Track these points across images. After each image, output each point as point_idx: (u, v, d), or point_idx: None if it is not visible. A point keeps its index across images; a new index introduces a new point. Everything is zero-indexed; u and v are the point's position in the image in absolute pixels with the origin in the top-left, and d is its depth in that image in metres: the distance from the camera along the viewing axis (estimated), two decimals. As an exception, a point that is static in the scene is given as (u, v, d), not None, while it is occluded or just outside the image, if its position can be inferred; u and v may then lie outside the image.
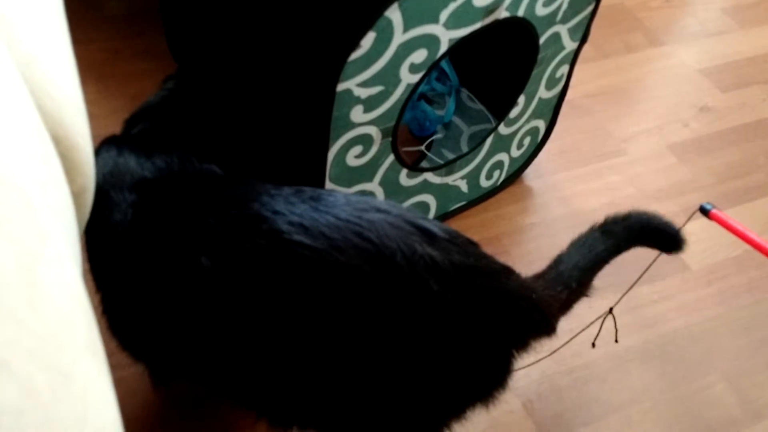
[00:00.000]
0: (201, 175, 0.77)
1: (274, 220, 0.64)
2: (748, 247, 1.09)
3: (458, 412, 0.72)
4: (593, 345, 0.99)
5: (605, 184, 1.28)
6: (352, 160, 0.94)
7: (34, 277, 0.30)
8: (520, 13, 0.93)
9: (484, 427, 0.94)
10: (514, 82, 1.08)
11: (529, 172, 1.26)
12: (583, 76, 1.44)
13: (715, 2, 1.71)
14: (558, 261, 0.79)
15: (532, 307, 0.69)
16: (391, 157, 0.97)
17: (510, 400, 0.97)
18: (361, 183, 0.98)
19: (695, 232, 1.20)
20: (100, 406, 0.32)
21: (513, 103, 1.09)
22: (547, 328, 0.73)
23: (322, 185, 0.94)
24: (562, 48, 1.07)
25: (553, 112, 1.19)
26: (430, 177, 1.07)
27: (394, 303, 0.63)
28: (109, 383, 0.35)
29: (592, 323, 0.92)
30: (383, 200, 0.70)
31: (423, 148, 1.19)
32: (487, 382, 0.71)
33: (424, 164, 1.17)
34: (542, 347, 0.82)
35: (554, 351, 0.93)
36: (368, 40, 0.79)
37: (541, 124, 1.20)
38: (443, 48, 0.88)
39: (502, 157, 1.17)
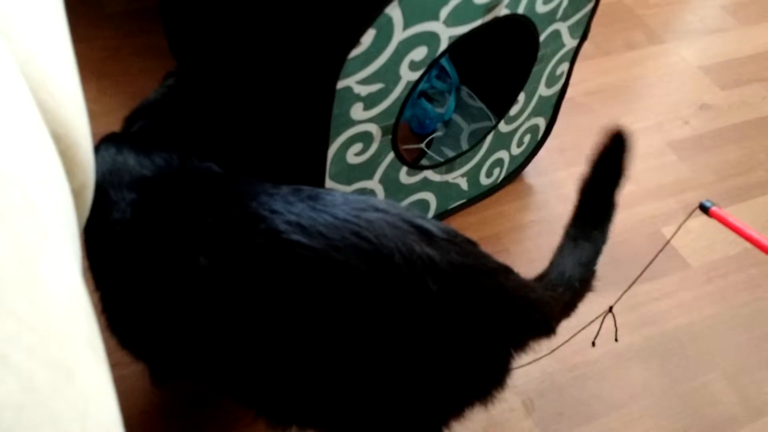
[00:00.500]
0: (200, 174, 0.77)
1: (272, 220, 0.64)
2: (747, 244, 1.09)
3: (457, 410, 0.72)
4: (593, 344, 1.00)
5: (605, 182, 1.27)
6: (352, 157, 0.94)
7: (35, 273, 0.30)
8: (521, 10, 0.93)
9: (485, 425, 0.94)
10: (514, 79, 1.08)
11: (530, 170, 1.26)
12: (584, 73, 1.44)
13: (715, 0, 1.71)
14: (559, 259, 0.79)
15: (531, 307, 0.69)
16: (391, 155, 0.97)
17: (510, 399, 0.97)
18: (361, 181, 0.98)
19: (695, 229, 1.20)
20: (101, 402, 0.32)
21: (513, 100, 1.09)
22: (546, 328, 0.73)
23: (322, 183, 0.94)
24: (562, 45, 1.07)
25: (553, 109, 1.19)
26: (430, 175, 1.07)
27: (392, 303, 0.63)
28: (109, 379, 0.35)
29: (592, 322, 0.92)
30: (382, 199, 0.70)
31: (423, 145, 1.19)
32: (486, 380, 0.71)
33: (424, 162, 1.17)
34: (542, 346, 0.82)
35: (554, 349, 0.93)
36: (368, 38, 0.79)
37: (542, 122, 1.20)
38: (443, 45, 0.87)
39: (503, 154, 1.17)
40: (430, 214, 1.14)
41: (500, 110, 1.11)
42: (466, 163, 1.11)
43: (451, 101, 1.23)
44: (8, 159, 0.33)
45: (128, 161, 0.75)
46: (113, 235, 0.69)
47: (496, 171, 1.19)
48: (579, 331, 0.93)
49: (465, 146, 1.16)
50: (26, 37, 0.46)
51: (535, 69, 1.06)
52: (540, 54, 1.04)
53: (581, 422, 0.96)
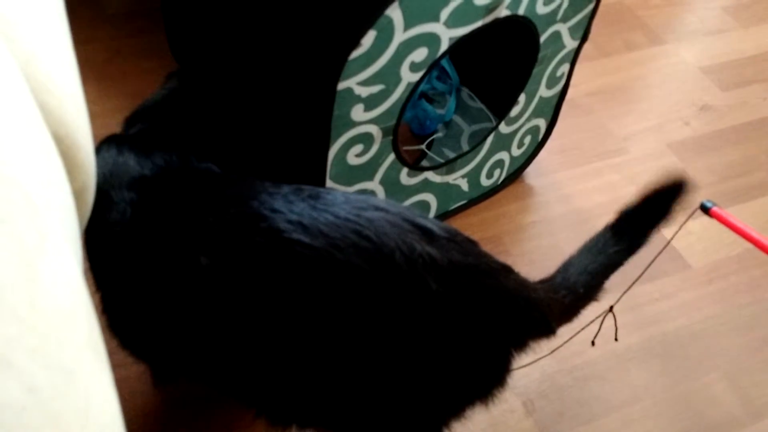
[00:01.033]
0: (200, 174, 0.77)
1: (273, 219, 0.64)
2: (748, 245, 1.08)
3: (457, 410, 0.72)
4: (593, 343, 1.00)
5: (606, 183, 1.28)
6: (353, 158, 0.94)
7: (36, 274, 0.30)
8: (521, 11, 0.93)
9: (484, 426, 0.94)
10: (514, 80, 1.08)
11: (530, 171, 1.26)
12: (584, 74, 1.44)
13: (715, 0, 1.71)
14: (567, 265, 0.79)
15: (531, 307, 0.69)
16: (392, 156, 0.97)
17: (510, 399, 0.97)
18: (362, 182, 0.98)
19: (696, 230, 1.20)
20: (102, 403, 0.32)
21: (513, 101, 1.09)
22: (545, 328, 0.73)
23: (322, 184, 0.94)
24: (563, 47, 1.07)
25: (553, 110, 1.19)
26: (431, 176, 1.07)
27: (393, 302, 0.63)
28: (110, 380, 0.35)
29: (592, 322, 0.92)
30: (382, 199, 0.70)
31: (424, 146, 1.19)
32: (486, 380, 0.71)
33: (425, 163, 1.17)
34: (542, 346, 0.82)
35: (554, 350, 0.93)
36: (369, 39, 0.79)
37: (542, 123, 1.20)
38: (444, 46, 0.88)
39: (503, 155, 1.17)
40: (431, 215, 1.14)
41: (501, 111, 1.11)
42: (467, 164, 1.11)
43: (451, 102, 1.23)
44: (10, 160, 0.33)
45: (129, 162, 0.75)
46: (113, 235, 0.69)
47: (497, 172, 1.19)
48: (579, 332, 0.93)
49: (465, 147, 1.16)
50: (27, 38, 0.46)
51: (535, 70, 1.06)
52: (540, 55, 1.04)
53: (582, 423, 0.96)
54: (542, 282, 0.76)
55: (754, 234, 0.81)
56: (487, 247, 0.89)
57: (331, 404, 0.69)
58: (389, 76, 0.85)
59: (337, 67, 0.81)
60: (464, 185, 1.15)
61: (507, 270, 0.70)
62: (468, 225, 1.18)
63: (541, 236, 1.18)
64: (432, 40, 0.85)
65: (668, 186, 0.80)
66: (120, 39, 1.38)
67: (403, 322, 0.63)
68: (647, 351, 1.05)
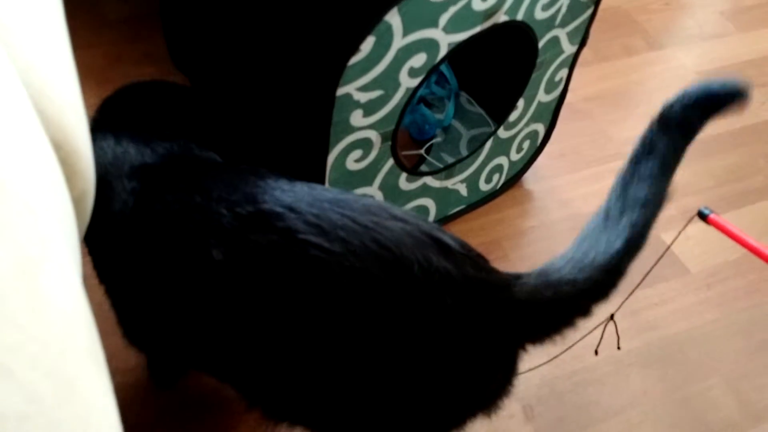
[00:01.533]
0: (206, 163, 0.76)
1: (291, 219, 0.63)
2: (747, 250, 1.09)
3: (462, 421, 0.72)
4: (596, 352, 0.99)
5: (605, 187, 1.26)
6: (352, 164, 0.94)
7: (36, 283, 0.30)
8: (519, 17, 0.94)
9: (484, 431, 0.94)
10: (513, 85, 1.08)
11: (529, 176, 1.26)
12: (583, 79, 1.44)
13: (713, 5, 1.71)
14: (579, 245, 0.70)
15: (545, 309, 0.67)
16: (391, 161, 0.98)
17: (510, 405, 0.97)
18: (361, 187, 0.98)
19: (694, 235, 1.20)
20: (102, 412, 0.32)
21: (512, 106, 1.09)
22: (575, 313, 0.69)
23: (321, 189, 0.94)
24: (561, 51, 1.07)
25: (552, 115, 1.19)
26: (430, 181, 1.07)
27: (407, 314, 0.62)
28: (109, 388, 0.35)
29: (593, 330, 0.92)
30: (397, 207, 0.69)
31: (422, 151, 1.19)
32: (494, 392, 0.71)
33: (424, 168, 1.17)
34: (542, 352, 0.81)
35: (555, 357, 0.93)
36: (368, 45, 0.79)
37: (541, 128, 1.20)
38: (443, 52, 0.88)
39: (502, 160, 1.17)
40: (430, 220, 1.14)
41: (499, 116, 1.11)
42: (466, 169, 1.11)
43: (450, 107, 1.24)
44: (9, 169, 0.33)
45: (129, 150, 0.74)
46: (115, 225, 0.68)
47: (496, 177, 1.19)
48: (580, 339, 0.93)
49: (464, 152, 1.17)
50: (27, 45, 0.46)
51: (534, 75, 1.06)
52: (539, 60, 1.04)
53: (581, 428, 0.96)
54: (543, 274, 0.70)
55: (752, 241, 0.81)
56: (485, 252, 0.89)
57: (333, 409, 0.68)
58: (388, 81, 0.85)
59: (336, 73, 0.81)
60: (463, 190, 1.15)
61: (517, 279, 0.68)
62: (467, 230, 1.18)
63: (540, 241, 1.18)
64: (431, 45, 0.86)
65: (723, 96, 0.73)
66: (120, 44, 1.38)
67: (416, 335, 0.63)
68: (646, 356, 1.05)
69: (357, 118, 0.87)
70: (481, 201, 1.20)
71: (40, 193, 0.37)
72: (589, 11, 1.04)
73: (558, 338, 0.70)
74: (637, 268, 0.89)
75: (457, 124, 1.23)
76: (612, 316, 0.91)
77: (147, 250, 0.67)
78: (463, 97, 1.27)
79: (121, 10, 1.45)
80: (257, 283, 0.63)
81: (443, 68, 1.26)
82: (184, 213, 0.66)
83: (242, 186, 0.68)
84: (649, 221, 0.71)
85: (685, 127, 0.74)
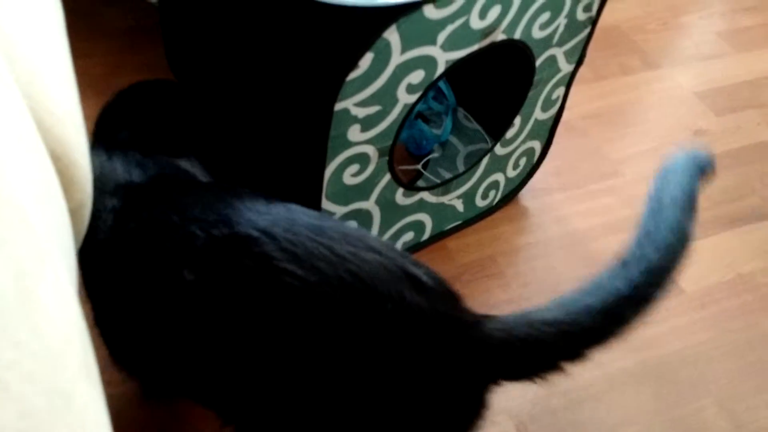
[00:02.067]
0: (188, 182, 0.76)
1: (265, 243, 0.63)
2: (741, 270, 1.09)
3: None
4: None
5: (601, 205, 1.28)
6: (349, 178, 0.94)
7: (34, 298, 0.30)
8: (517, 35, 0.94)
9: (477, 447, 0.94)
10: (510, 103, 1.09)
11: (525, 193, 1.27)
12: (579, 97, 1.45)
13: (710, 26, 1.73)
14: (561, 301, 0.66)
15: (520, 348, 0.65)
16: (388, 176, 0.98)
17: (503, 422, 0.97)
18: (357, 201, 0.98)
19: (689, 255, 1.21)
20: (96, 424, 0.32)
21: (509, 124, 1.10)
22: (543, 367, 0.67)
23: (318, 203, 0.94)
24: (558, 70, 1.08)
25: (548, 133, 1.20)
26: (426, 196, 1.08)
27: (377, 348, 0.62)
28: (103, 401, 0.35)
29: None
30: (376, 238, 0.69)
31: (419, 167, 1.19)
32: (463, 426, 0.70)
33: (421, 183, 1.17)
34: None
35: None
36: (366, 61, 0.80)
37: (537, 145, 1.20)
38: (440, 69, 0.88)
39: (498, 177, 1.18)
40: (426, 235, 1.15)
41: (496, 133, 1.12)
42: (462, 184, 1.12)
43: (447, 123, 1.24)
44: (8, 181, 0.33)
45: (116, 167, 0.74)
46: (95, 243, 0.68)
47: (492, 193, 1.20)
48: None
49: (461, 168, 1.17)
50: (29, 57, 0.47)
51: (531, 93, 1.07)
52: (536, 78, 1.05)
53: (574, 446, 0.96)
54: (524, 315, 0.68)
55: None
56: (481, 269, 0.89)
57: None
58: (386, 97, 0.86)
59: (334, 88, 0.81)
60: (459, 206, 1.15)
61: (489, 318, 0.67)
62: (463, 246, 1.18)
63: (536, 258, 1.18)
64: (429, 62, 0.86)
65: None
66: (119, 54, 1.39)
67: (384, 368, 0.62)
68: (640, 375, 1.05)
69: (355, 133, 0.88)
70: (477, 217, 1.21)
71: (38, 205, 0.37)
72: (587, 30, 1.05)
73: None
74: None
75: (454, 139, 1.24)
76: None
77: (123, 268, 0.67)
78: (461, 113, 1.27)
79: (121, 20, 1.46)
80: (229, 307, 0.63)
81: (441, 84, 1.27)
82: (158, 232, 0.66)
83: (219, 206, 0.67)
84: (666, 266, 0.66)
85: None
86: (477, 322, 0.66)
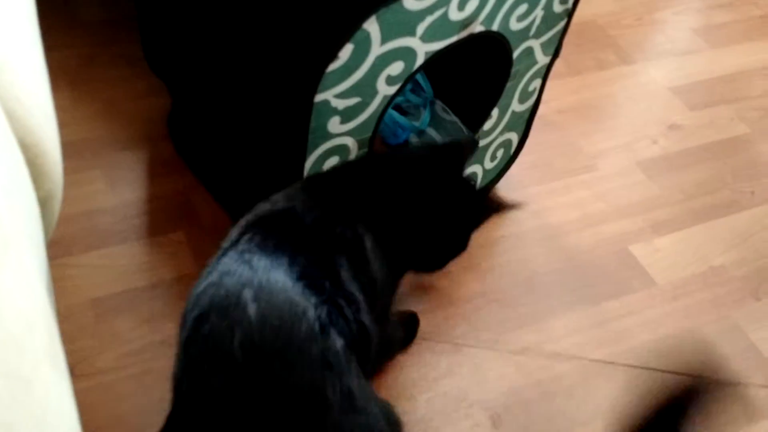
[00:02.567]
0: None
1: None
2: (714, 263, 1.10)
3: None
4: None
5: (576, 199, 1.29)
6: (326, 170, 0.94)
7: (-4, 284, 0.30)
8: (495, 27, 0.95)
9: (452, 439, 0.95)
10: (488, 95, 1.09)
11: (501, 186, 1.27)
12: (555, 92, 1.46)
13: (685, 22, 1.74)
14: None
15: None
16: (365, 168, 0.98)
17: (477, 414, 0.97)
18: (334, 193, 0.98)
19: (662, 247, 1.22)
20: (59, 413, 0.32)
21: (487, 115, 1.10)
22: None
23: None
24: (535, 62, 1.08)
25: (525, 125, 1.21)
26: (404, 188, 1.08)
27: None
28: (69, 391, 0.34)
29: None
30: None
31: (397, 159, 1.19)
32: None
33: (398, 176, 1.17)
34: (510, 361, 0.81)
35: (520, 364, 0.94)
36: (346, 52, 0.80)
37: (514, 137, 1.21)
38: (420, 60, 0.88)
39: (476, 168, 1.18)
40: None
41: (474, 125, 1.12)
42: (439, 177, 1.12)
43: (426, 115, 1.24)
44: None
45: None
46: None
47: (469, 186, 1.20)
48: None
49: (438, 161, 1.17)
50: (-3, 45, 0.46)
51: (508, 85, 1.07)
52: (513, 70, 1.05)
53: (548, 437, 0.97)
54: None
55: None
56: (456, 261, 0.89)
57: None
58: (366, 89, 0.86)
59: (314, 80, 0.81)
60: (436, 198, 1.15)
61: None
62: (439, 238, 1.18)
63: (511, 250, 1.19)
64: (408, 54, 0.86)
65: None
66: (94, 46, 1.37)
67: None
68: (613, 367, 1.06)
69: (334, 124, 0.88)
70: (454, 209, 1.21)
71: (4, 194, 0.36)
72: (563, 23, 1.05)
73: None
74: (604, 279, 0.91)
75: (432, 131, 1.24)
76: None
77: None
78: (439, 105, 1.27)
79: (95, 11, 1.44)
80: None
81: (419, 76, 1.26)
82: None
83: None
84: None
85: None
86: None
